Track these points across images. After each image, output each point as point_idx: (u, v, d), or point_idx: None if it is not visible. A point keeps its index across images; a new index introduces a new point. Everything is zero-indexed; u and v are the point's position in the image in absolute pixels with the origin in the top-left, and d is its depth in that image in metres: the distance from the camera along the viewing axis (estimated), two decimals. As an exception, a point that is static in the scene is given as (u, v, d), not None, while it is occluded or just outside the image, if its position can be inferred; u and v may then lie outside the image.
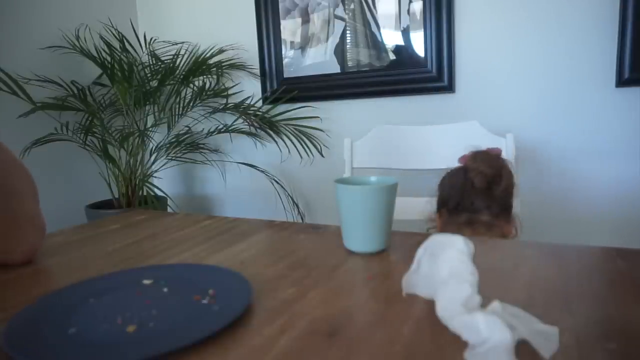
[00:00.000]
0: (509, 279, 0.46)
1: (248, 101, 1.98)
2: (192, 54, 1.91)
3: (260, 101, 2.01)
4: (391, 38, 1.74)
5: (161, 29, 2.17)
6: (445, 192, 1.04)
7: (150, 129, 1.91)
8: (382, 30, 1.75)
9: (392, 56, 1.75)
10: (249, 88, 2.03)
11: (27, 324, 0.39)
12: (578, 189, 1.55)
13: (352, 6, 1.77)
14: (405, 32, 1.71)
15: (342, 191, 0.55)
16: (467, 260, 0.40)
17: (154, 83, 1.92)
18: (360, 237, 0.55)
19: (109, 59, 1.79)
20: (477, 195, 0.98)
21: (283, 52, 1.93)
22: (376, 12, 1.74)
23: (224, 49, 1.97)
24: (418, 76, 1.71)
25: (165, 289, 0.46)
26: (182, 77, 1.90)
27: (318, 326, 0.38)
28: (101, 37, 1.89)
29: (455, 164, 1.39)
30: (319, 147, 1.90)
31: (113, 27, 1.98)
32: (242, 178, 2.12)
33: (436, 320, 0.37)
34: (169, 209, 2.07)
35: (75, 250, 0.62)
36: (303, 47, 1.89)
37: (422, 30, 1.68)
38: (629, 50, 1.41)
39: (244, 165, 2.05)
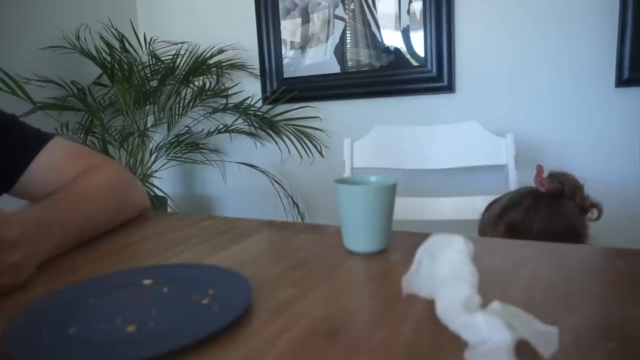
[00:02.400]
0: (509, 279, 0.46)
1: (248, 101, 1.98)
2: (192, 54, 1.91)
3: (260, 101, 2.01)
4: (391, 38, 1.74)
5: (161, 29, 2.17)
6: (550, 226, 0.86)
7: (150, 129, 1.91)
8: (382, 30, 1.75)
9: (392, 56, 1.75)
10: (249, 88, 2.03)
11: (27, 324, 0.39)
12: (578, 189, 1.55)
13: (352, 6, 1.77)
14: (405, 32, 1.71)
15: (342, 191, 0.55)
16: (467, 260, 0.40)
17: (154, 83, 1.92)
18: (360, 237, 0.55)
19: (109, 59, 1.79)
20: (584, 220, 0.87)
21: (283, 52, 1.93)
22: (376, 12, 1.74)
23: (224, 49, 1.97)
24: (418, 76, 1.71)
25: (165, 289, 0.46)
26: (182, 77, 1.90)
27: (318, 326, 0.38)
28: (101, 37, 1.89)
29: (454, 163, 1.38)
30: (319, 147, 1.90)
31: (113, 27, 1.98)
32: (242, 178, 2.12)
33: (436, 320, 0.37)
34: (169, 209, 2.07)
35: (75, 250, 0.62)
36: (303, 47, 1.89)
37: (422, 30, 1.68)
38: (628, 50, 1.41)
39: (244, 165, 2.05)
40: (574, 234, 0.87)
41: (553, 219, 0.87)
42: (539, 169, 0.94)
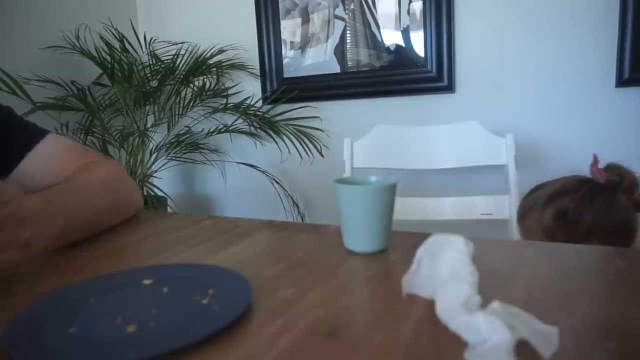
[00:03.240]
0: (509, 279, 0.46)
1: (248, 101, 1.98)
2: (192, 54, 1.91)
3: (260, 101, 2.01)
4: (391, 38, 1.74)
5: (161, 29, 2.17)
6: (604, 219, 0.82)
7: (150, 129, 1.91)
8: (382, 30, 1.75)
9: (392, 56, 1.75)
10: (249, 88, 2.03)
11: (28, 324, 0.39)
12: (578, 189, 1.55)
13: (352, 6, 1.77)
14: (405, 32, 1.71)
15: (342, 191, 0.55)
16: (467, 260, 0.40)
17: (154, 83, 1.92)
18: (360, 237, 0.55)
19: (109, 59, 1.79)
20: (636, 216, 0.83)
21: (283, 52, 1.93)
22: (376, 12, 1.74)
23: (224, 49, 1.97)
24: (418, 76, 1.71)
25: (165, 289, 0.46)
26: (182, 77, 1.90)
27: (318, 326, 0.38)
28: (101, 37, 1.89)
29: (454, 163, 1.38)
30: (319, 147, 1.90)
31: (113, 27, 1.98)
32: (242, 178, 2.12)
33: (436, 320, 0.37)
34: (169, 209, 2.07)
35: (75, 250, 0.62)
36: (303, 47, 1.89)
37: (422, 30, 1.68)
38: (629, 50, 1.41)
39: (244, 165, 2.05)
40: (627, 228, 0.83)
41: (608, 212, 0.83)
42: (596, 158, 0.89)
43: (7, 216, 0.48)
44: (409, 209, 1.34)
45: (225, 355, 0.34)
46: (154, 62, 1.92)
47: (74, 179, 0.68)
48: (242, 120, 1.95)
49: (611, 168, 0.88)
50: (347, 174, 1.37)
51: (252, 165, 2.00)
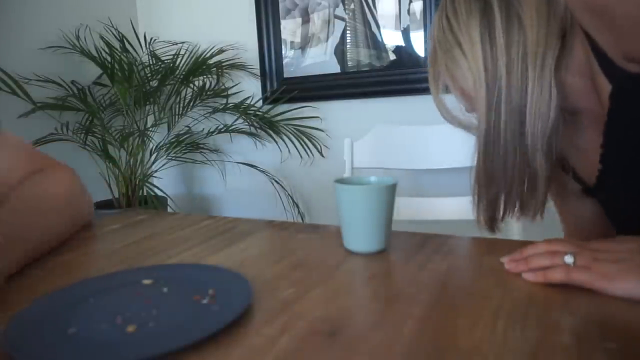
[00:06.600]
0: (509, 279, 0.46)
1: (248, 101, 1.98)
2: (192, 54, 1.91)
3: (260, 101, 2.01)
4: (391, 38, 1.74)
5: (161, 29, 2.17)
6: None
7: (150, 129, 1.91)
8: (382, 30, 1.75)
9: (392, 56, 1.74)
10: (249, 88, 2.03)
11: (27, 324, 0.39)
12: (578, 189, 1.55)
13: (352, 6, 1.77)
14: (405, 32, 1.71)
15: (341, 191, 0.55)
16: None
17: (154, 83, 1.92)
18: (360, 237, 0.55)
19: (109, 59, 1.79)
20: None
21: (283, 52, 1.93)
22: (376, 12, 1.74)
23: (224, 49, 1.97)
24: (418, 76, 1.71)
25: (165, 289, 0.46)
26: (182, 77, 1.90)
27: (318, 326, 0.38)
28: (101, 37, 1.89)
29: (454, 163, 1.38)
30: (319, 147, 1.90)
31: (113, 27, 1.98)
32: (242, 178, 2.12)
33: (437, 320, 0.37)
34: (169, 209, 2.07)
35: (75, 250, 0.62)
36: (303, 47, 1.89)
37: (422, 30, 1.68)
38: (629, 50, 1.41)
39: (244, 165, 2.05)
40: None
41: None
42: None
43: None
44: (409, 209, 1.34)
45: (225, 355, 0.34)
46: (154, 62, 1.91)
47: (28, 194, 0.63)
48: (242, 120, 1.95)
49: None
50: (347, 174, 1.37)
51: (252, 165, 2.00)
